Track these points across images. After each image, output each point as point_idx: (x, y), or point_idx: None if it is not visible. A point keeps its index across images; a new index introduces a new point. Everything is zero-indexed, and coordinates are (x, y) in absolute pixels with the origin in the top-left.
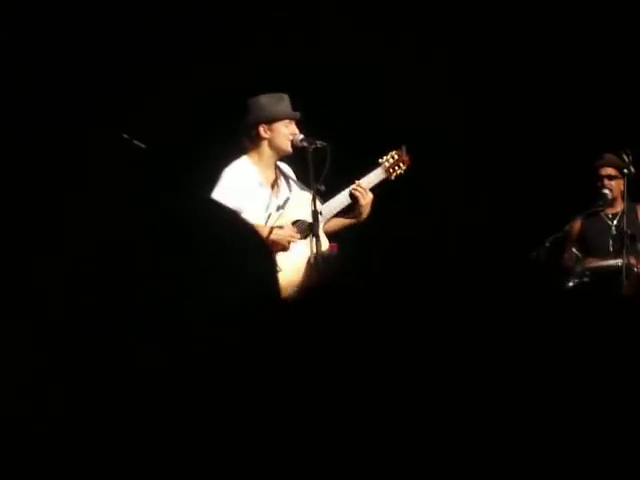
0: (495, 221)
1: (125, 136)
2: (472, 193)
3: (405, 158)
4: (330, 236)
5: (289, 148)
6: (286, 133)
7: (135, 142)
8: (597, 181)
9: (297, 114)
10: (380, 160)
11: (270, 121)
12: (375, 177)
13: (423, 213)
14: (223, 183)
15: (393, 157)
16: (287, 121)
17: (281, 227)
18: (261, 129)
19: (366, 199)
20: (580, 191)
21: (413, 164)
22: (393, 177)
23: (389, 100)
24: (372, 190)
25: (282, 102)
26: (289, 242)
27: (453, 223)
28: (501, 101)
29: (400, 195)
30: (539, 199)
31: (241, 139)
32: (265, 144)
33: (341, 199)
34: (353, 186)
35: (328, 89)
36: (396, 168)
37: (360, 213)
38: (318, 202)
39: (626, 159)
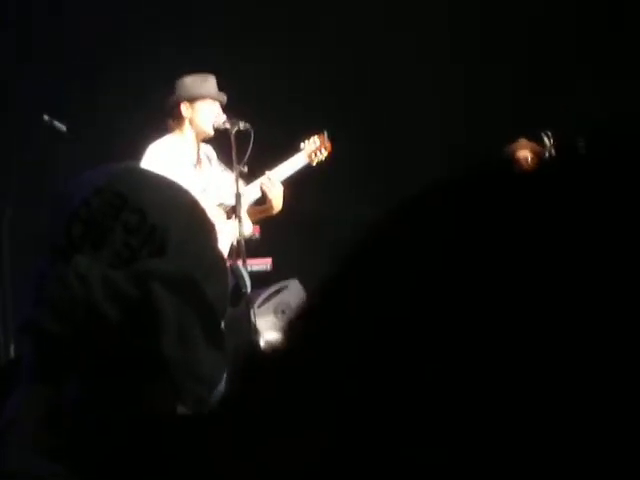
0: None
1: (46, 117)
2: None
3: (327, 144)
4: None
5: (210, 129)
6: (208, 113)
7: (56, 123)
8: (515, 165)
9: (222, 95)
10: (302, 145)
11: (192, 99)
12: (296, 162)
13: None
14: (146, 160)
15: (315, 142)
16: (210, 101)
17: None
18: (183, 107)
19: (273, 192)
20: None
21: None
22: (314, 163)
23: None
24: (293, 176)
25: (207, 82)
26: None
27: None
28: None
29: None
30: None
31: (165, 119)
32: (187, 123)
33: (253, 190)
34: (262, 178)
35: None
36: (318, 154)
37: (270, 206)
38: (241, 184)
39: (547, 142)
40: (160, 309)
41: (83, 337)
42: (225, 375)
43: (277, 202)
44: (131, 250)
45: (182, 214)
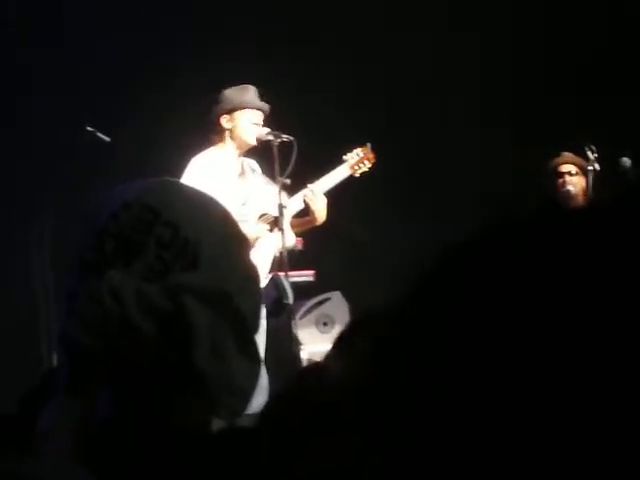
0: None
1: (89, 129)
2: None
3: (370, 155)
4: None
5: (251, 139)
6: (248, 123)
7: (99, 134)
8: (557, 178)
9: (264, 105)
10: (344, 157)
11: (231, 110)
12: (339, 174)
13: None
14: (189, 172)
15: (358, 154)
16: (250, 111)
17: (245, 220)
18: (223, 119)
19: (316, 204)
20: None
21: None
22: (357, 174)
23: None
24: (336, 188)
25: (246, 92)
26: (256, 238)
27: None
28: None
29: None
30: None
31: (207, 134)
32: (227, 135)
33: (296, 202)
34: (305, 191)
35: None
36: (361, 165)
37: (314, 217)
38: (284, 196)
39: (590, 156)
40: (193, 322)
41: (116, 351)
42: (258, 386)
43: (320, 214)
44: (164, 264)
45: (215, 227)
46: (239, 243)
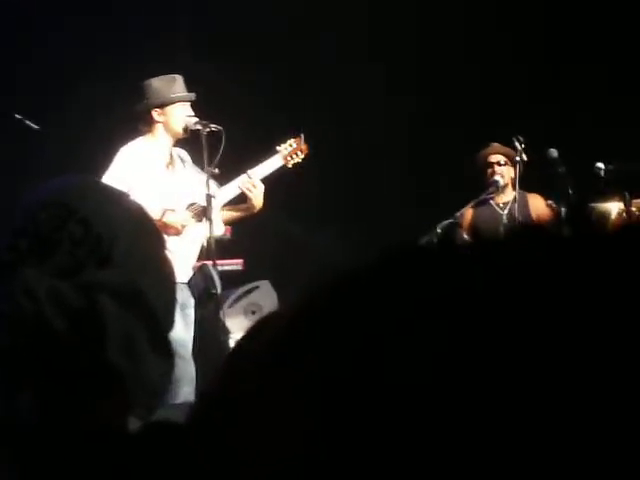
0: (387, 205)
1: (18, 116)
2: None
3: (303, 147)
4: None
5: (181, 130)
6: (180, 116)
7: (27, 122)
8: (486, 168)
9: (192, 95)
10: (278, 147)
11: (162, 105)
12: (272, 164)
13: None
14: (117, 162)
15: (291, 145)
16: (181, 104)
17: (173, 210)
18: (154, 113)
19: (254, 191)
20: (469, 183)
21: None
22: (290, 165)
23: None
24: (268, 178)
25: (175, 84)
26: (183, 226)
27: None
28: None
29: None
30: (431, 187)
31: (136, 124)
32: (160, 127)
33: (231, 189)
34: (242, 176)
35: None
36: (294, 156)
37: (252, 205)
38: (212, 185)
39: (518, 146)
40: (105, 319)
41: (33, 350)
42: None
43: (258, 200)
44: (77, 261)
45: (128, 224)
46: (153, 239)
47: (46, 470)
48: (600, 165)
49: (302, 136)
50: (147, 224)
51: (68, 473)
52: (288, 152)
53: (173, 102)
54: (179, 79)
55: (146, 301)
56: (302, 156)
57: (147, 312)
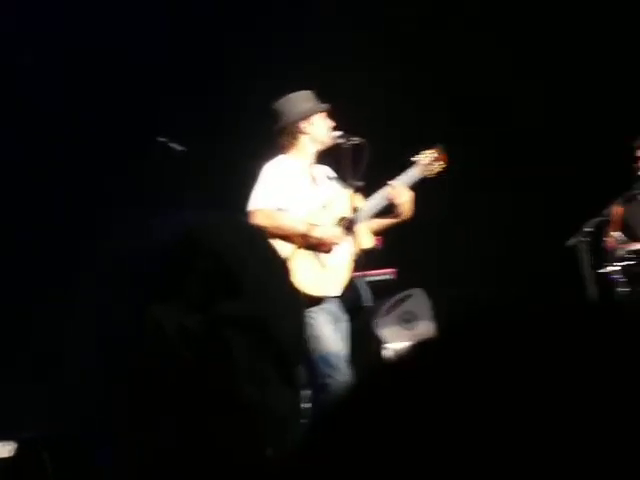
0: (534, 207)
1: (161, 139)
2: (507, 181)
3: (442, 156)
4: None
5: (328, 139)
6: (324, 125)
7: (171, 145)
8: (635, 162)
9: (329, 106)
10: (413, 159)
11: (309, 116)
12: (411, 175)
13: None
14: (265, 180)
15: (431, 155)
16: (323, 115)
17: (323, 225)
18: (302, 125)
19: (402, 198)
20: (618, 173)
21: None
22: (432, 175)
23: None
24: (412, 187)
25: (311, 97)
26: (334, 242)
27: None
28: (536, 81)
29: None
30: (577, 184)
31: (278, 142)
32: (306, 139)
33: (377, 201)
34: (386, 188)
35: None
36: (434, 166)
37: (401, 212)
38: (357, 197)
39: None
40: (233, 352)
41: (165, 383)
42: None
43: (407, 207)
44: (206, 294)
45: (256, 256)
46: (279, 269)
47: None
48: None
49: (440, 146)
50: (273, 255)
51: None
52: (427, 162)
53: (317, 112)
54: (311, 94)
55: (274, 333)
56: (443, 165)
57: (275, 344)
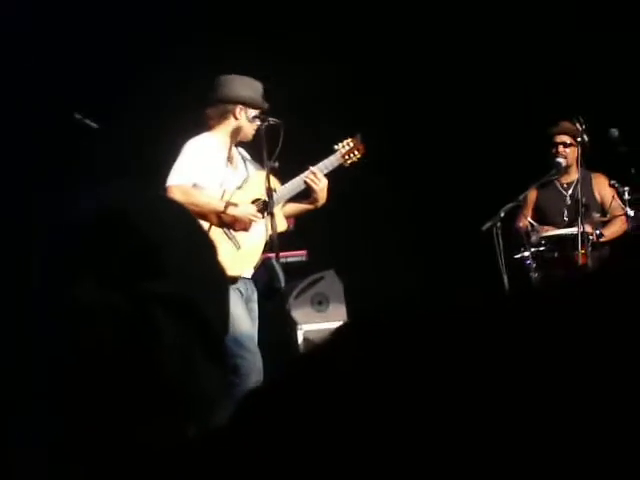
0: (448, 192)
1: (77, 116)
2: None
3: (360, 146)
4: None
5: (251, 136)
6: (253, 120)
7: (87, 121)
8: (551, 148)
9: (267, 106)
10: (336, 146)
11: (247, 106)
12: (330, 163)
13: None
14: (186, 156)
15: (349, 144)
16: (258, 110)
17: (236, 204)
18: (238, 109)
19: (320, 185)
20: (534, 160)
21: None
22: (348, 164)
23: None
24: (327, 175)
25: (259, 91)
26: (251, 220)
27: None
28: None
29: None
30: (495, 168)
31: (206, 112)
32: (234, 125)
33: (295, 184)
34: (306, 173)
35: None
36: (351, 155)
37: (315, 199)
38: (273, 179)
39: (579, 127)
40: (159, 331)
41: (88, 365)
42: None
43: (323, 194)
44: (130, 272)
45: (183, 234)
46: (207, 248)
47: None
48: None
49: (359, 136)
50: (200, 233)
51: None
52: (346, 151)
53: (256, 107)
54: (260, 87)
55: (200, 311)
56: (359, 155)
57: (201, 322)
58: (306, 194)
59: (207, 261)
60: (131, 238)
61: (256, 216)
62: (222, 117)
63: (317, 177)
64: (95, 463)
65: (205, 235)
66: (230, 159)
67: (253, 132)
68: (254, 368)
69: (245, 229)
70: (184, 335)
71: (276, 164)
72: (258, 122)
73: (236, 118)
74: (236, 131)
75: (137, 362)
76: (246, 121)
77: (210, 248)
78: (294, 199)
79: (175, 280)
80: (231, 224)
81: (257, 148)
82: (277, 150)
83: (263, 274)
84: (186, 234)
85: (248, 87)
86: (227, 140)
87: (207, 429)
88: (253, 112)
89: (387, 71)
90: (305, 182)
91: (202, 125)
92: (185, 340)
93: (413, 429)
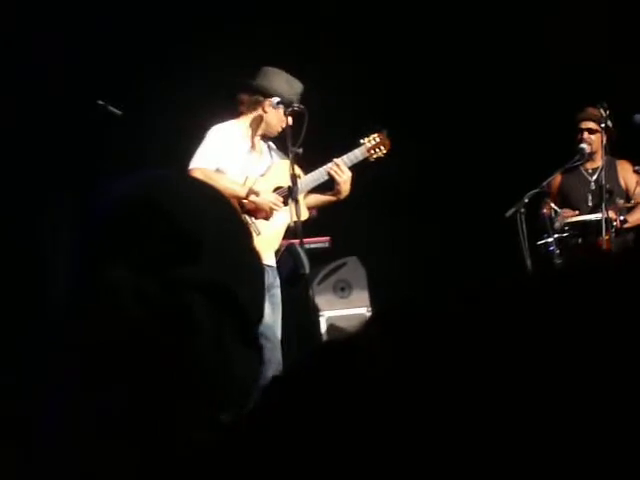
0: (472, 178)
1: (100, 102)
2: (452, 151)
3: (386, 142)
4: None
5: (277, 133)
6: (283, 119)
7: (110, 108)
8: (577, 134)
9: (303, 109)
10: (362, 140)
11: (280, 103)
12: (355, 156)
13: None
14: (209, 141)
15: (375, 139)
16: (290, 111)
17: (258, 193)
18: (267, 103)
19: (343, 177)
20: (559, 146)
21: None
22: (373, 158)
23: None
24: (352, 168)
25: (298, 91)
26: (272, 209)
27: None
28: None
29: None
30: (519, 154)
31: (239, 97)
32: (261, 116)
33: (318, 175)
34: (330, 164)
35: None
36: (377, 150)
37: (339, 190)
38: (297, 168)
39: (603, 113)
40: (193, 315)
41: (120, 347)
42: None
43: (346, 187)
44: (164, 257)
45: (216, 219)
46: (241, 233)
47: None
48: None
49: (385, 131)
50: (235, 219)
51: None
52: (371, 145)
53: (289, 106)
54: (300, 88)
55: (235, 296)
56: (385, 151)
57: (236, 307)
58: (329, 186)
59: (241, 245)
60: (163, 224)
61: (277, 205)
62: (253, 106)
63: (340, 169)
64: (135, 443)
65: (239, 219)
66: (253, 146)
67: (280, 129)
68: (272, 358)
69: (266, 218)
70: (219, 321)
71: (300, 150)
72: (282, 108)
73: (265, 111)
74: (261, 123)
75: (171, 348)
76: (273, 117)
77: (244, 232)
78: (317, 190)
79: (209, 265)
80: (252, 212)
81: (282, 135)
82: (301, 136)
83: (288, 260)
84: (219, 219)
85: (287, 84)
86: (251, 129)
87: (242, 415)
88: (277, 98)
89: (411, 61)
90: (329, 173)
91: (231, 109)
92: (219, 326)
93: (444, 426)
